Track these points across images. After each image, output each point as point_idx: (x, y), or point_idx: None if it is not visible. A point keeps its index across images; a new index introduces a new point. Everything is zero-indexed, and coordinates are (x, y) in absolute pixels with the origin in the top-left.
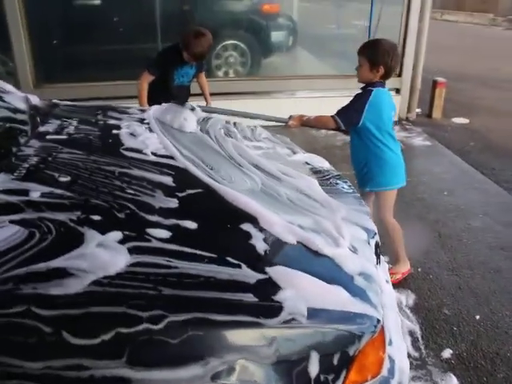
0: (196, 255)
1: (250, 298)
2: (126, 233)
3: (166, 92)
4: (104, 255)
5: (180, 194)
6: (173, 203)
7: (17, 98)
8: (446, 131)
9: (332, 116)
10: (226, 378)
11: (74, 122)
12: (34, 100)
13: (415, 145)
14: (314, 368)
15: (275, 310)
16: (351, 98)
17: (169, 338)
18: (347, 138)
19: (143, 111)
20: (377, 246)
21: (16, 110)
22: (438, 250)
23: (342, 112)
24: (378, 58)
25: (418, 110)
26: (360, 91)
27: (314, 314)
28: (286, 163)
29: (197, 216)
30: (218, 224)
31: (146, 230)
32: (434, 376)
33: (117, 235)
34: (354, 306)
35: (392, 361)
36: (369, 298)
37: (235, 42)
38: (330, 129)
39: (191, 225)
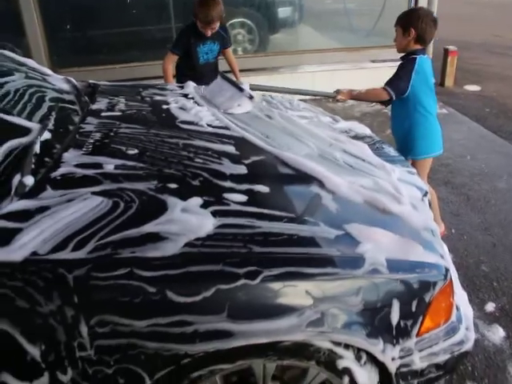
0: (275, 216)
1: (333, 252)
2: (205, 198)
3: (193, 71)
4: (191, 219)
5: (246, 161)
6: (242, 170)
7: (58, 80)
8: (460, 99)
9: (383, 87)
10: (319, 327)
11: (122, 100)
12: (73, 81)
13: None
14: (395, 315)
15: (358, 261)
16: (397, 68)
17: (266, 292)
18: (365, 109)
19: (182, 87)
20: (429, 203)
21: (62, 91)
22: (468, 212)
23: (390, 82)
24: (408, 22)
25: None
26: (401, 61)
27: (392, 264)
28: (332, 130)
29: (266, 181)
30: (288, 187)
31: (223, 195)
32: (481, 328)
33: (197, 201)
34: (427, 256)
35: (458, 308)
36: (437, 250)
37: (242, 19)
38: (379, 101)
39: (263, 189)
